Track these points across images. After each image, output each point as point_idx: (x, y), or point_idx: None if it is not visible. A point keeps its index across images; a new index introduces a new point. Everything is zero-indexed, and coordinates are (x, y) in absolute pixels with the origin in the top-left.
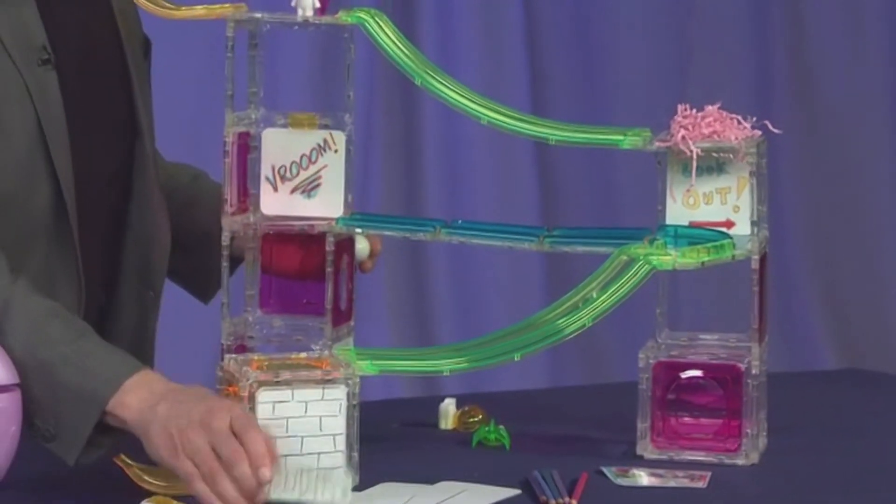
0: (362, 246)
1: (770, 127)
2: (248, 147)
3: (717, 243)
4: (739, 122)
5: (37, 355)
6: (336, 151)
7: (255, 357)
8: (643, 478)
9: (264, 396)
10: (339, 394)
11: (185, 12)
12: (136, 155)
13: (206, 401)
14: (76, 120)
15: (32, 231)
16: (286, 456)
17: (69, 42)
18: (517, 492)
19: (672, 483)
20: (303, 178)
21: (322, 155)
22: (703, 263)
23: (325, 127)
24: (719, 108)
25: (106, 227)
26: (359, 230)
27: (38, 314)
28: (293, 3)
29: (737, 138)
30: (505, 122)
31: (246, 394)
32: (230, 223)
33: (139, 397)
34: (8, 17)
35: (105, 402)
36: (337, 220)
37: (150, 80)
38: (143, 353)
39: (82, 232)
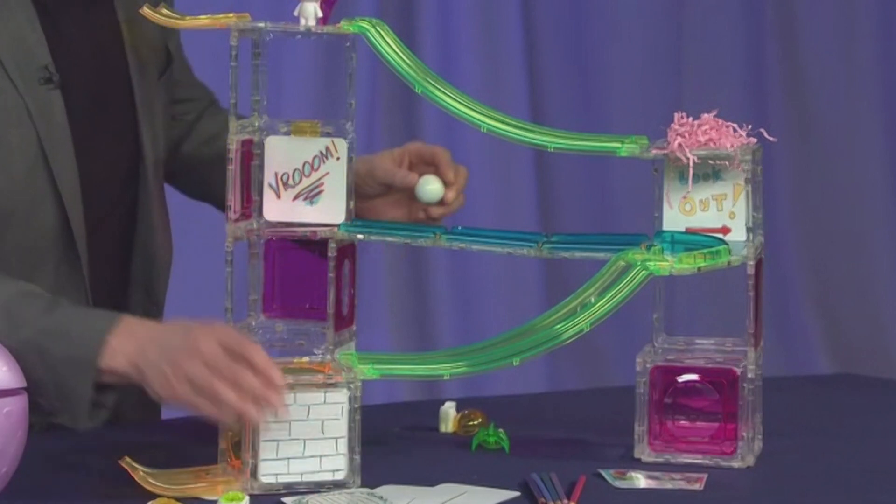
0: (432, 188)
1: (766, 135)
2: (251, 154)
3: (713, 249)
4: (735, 130)
5: (19, 337)
6: (338, 159)
7: None
8: (640, 480)
9: None
10: (341, 397)
11: (189, 22)
12: (141, 177)
13: (190, 331)
14: (83, 140)
15: (38, 249)
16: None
17: (76, 63)
18: (516, 494)
19: (669, 485)
20: (305, 185)
21: (324, 162)
22: (699, 269)
23: (328, 134)
24: (715, 116)
25: (114, 247)
26: (360, 236)
27: (10, 298)
28: (296, 13)
29: (732, 146)
30: (504, 130)
31: None
32: (233, 230)
33: (127, 349)
34: (9, 37)
35: (97, 362)
36: (339, 226)
37: (162, 98)
38: None
39: (91, 251)
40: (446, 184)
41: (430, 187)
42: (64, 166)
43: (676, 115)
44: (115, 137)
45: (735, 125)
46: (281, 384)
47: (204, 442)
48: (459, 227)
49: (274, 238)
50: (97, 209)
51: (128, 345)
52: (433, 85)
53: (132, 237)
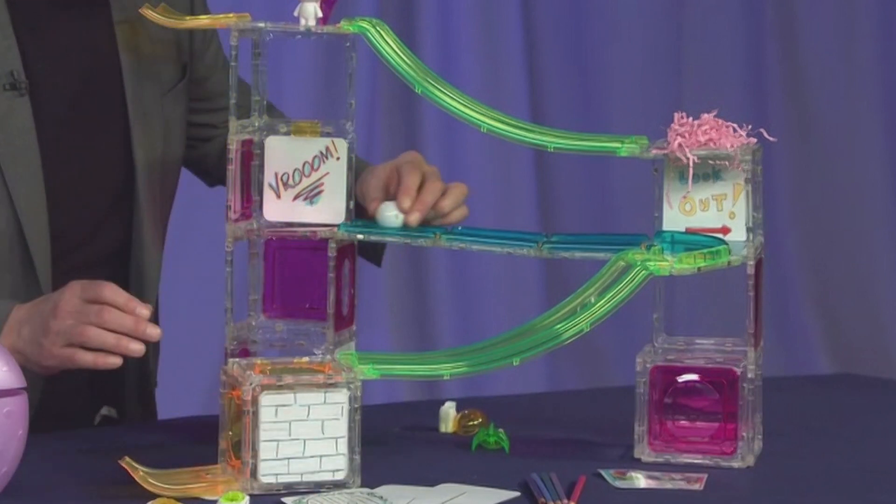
0: (389, 215)
1: (766, 135)
2: (251, 154)
3: (713, 249)
4: (735, 130)
5: None
6: (338, 159)
7: (258, 361)
8: (640, 480)
9: (267, 400)
10: (341, 397)
11: (189, 22)
12: (134, 190)
13: (51, 297)
14: (57, 147)
15: None
16: (290, 459)
17: (57, 69)
18: (516, 494)
19: (669, 485)
20: (305, 185)
21: (324, 162)
22: (699, 269)
23: (328, 134)
24: (715, 116)
25: (109, 260)
26: (360, 236)
27: None
28: (296, 13)
29: (732, 146)
30: (504, 130)
31: (249, 397)
32: (233, 230)
33: (11, 339)
34: None
35: None
36: (339, 226)
37: (171, 107)
38: (144, 360)
39: (65, 263)
40: (402, 211)
41: (388, 214)
42: (21, 173)
43: (676, 115)
44: (102, 145)
45: (735, 125)
46: (145, 313)
47: (204, 442)
48: (459, 227)
49: (274, 238)
50: (81, 220)
51: (11, 334)
52: (433, 85)
53: (128, 252)
